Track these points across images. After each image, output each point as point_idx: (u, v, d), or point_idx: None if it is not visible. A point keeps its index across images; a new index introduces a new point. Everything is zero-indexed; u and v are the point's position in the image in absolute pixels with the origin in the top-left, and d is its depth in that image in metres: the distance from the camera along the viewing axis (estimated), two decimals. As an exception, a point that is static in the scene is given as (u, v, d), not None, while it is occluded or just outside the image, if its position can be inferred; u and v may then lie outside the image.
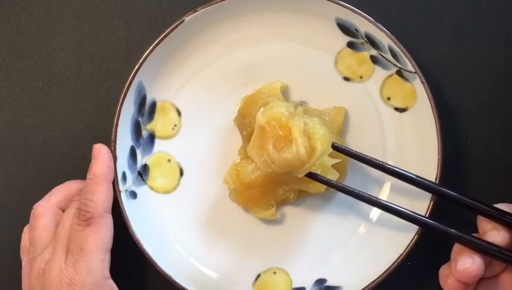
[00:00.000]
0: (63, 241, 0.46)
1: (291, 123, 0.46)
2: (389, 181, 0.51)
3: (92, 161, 0.48)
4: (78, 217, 0.46)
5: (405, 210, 0.46)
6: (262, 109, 0.47)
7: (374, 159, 0.48)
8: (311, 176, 0.47)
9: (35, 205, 0.48)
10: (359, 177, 0.51)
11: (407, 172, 0.47)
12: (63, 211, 0.49)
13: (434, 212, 0.48)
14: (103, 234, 0.45)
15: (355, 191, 0.47)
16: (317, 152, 0.45)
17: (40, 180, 0.54)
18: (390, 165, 0.48)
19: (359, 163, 0.49)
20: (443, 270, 0.45)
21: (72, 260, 0.45)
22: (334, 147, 0.47)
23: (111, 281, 0.46)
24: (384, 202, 0.47)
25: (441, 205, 0.47)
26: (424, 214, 0.47)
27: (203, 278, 0.51)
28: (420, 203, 0.48)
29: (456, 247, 0.44)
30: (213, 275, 0.51)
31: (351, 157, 0.49)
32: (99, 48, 0.54)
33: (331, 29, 0.50)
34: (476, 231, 0.45)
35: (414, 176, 0.47)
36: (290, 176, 0.49)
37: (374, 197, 0.47)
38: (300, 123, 0.46)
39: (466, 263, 0.42)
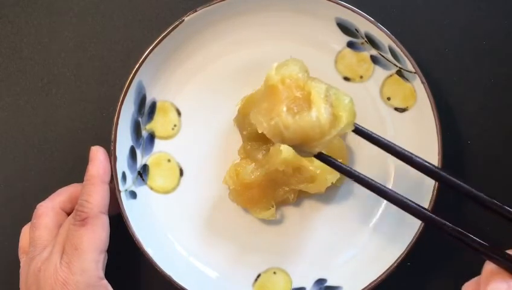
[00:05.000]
0: (60, 241, 0.46)
1: (311, 85, 0.37)
2: (390, 183, 0.51)
3: (89, 162, 0.48)
4: (74, 218, 0.46)
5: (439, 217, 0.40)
6: (275, 64, 0.39)
7: (401, 148, 0.41)
8: (325, 160, 0.40)
9: (38, 205, 0.48)
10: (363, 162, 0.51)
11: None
12: (66, 213, 0.49)
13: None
14: (98, 234, 0.45)
15: (369, 180, 0.41)
16: (342, 121, 0.37)
17: (40, 180, 0.54)
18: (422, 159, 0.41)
19: (358, 163, 0.49)
20: (468, 289, 0.38)
21: (66, 260, 0.45)
22: (356, 129, 0.41)
23: (105, 282, 0.46)
24: (415, 204, 0.41)
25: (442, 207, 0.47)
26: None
27: (203, 278, 0.51)
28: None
29: (489, 266, 0.37)
30: (213, 275, 0.51)
31: (373, 143, 0.42)
32: (99, 48, 0.54)
33: (331, 29, 0.50)
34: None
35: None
36: (290, 176, 0.49)
37: (391, 190, 0.41)
38: (321, 86, 0.37)
39: (499, 289, 0.35)
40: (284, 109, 0.36)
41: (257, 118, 0.38)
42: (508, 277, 0.36)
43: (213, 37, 0.52)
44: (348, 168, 0.41)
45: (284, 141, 0.38)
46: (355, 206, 0.51)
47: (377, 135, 0.41)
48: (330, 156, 0.40)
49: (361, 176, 0.41)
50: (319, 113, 0.36)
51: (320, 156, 0.40)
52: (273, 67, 0.38)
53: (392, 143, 0.41)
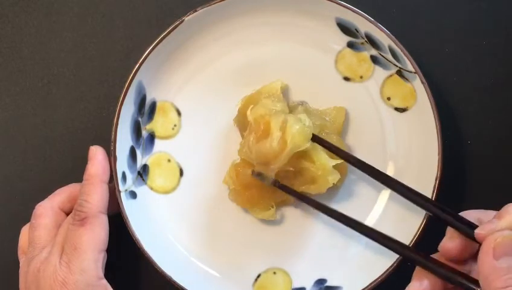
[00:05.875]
0: (59, 241, 0.46)
1: (272, 119, 0.47)
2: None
3: (88, 162, 0.48)
4: (73, 217, 0.46)
5: (387, 241, 0.45)
6: (251, 106, 0.49)
7: (345, 151, 0.49)
8: (285, 189, 0.48)
9: (37, 205, 0.48)
10: (360, 178, 0.51)
11: (372, 170, 0.47)
12: (65, 213, 0.49)
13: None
14: (97, 233, 0.45)
15: (336, 213, 0.47)
16: (288, 144, 0.46)
17: (40, 180, 0.54)
18: (353, 159, 0.48)
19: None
20: None
21: (66, 260, 0.45)
22: (315, 138, 0.48)
23: (105, 281, 0.46)
24: (366, 230, 0.46)
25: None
26: (420, 223, 0.47)
27: (202, 278, 0.51)
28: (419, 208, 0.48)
29: (417, 268, 0.43)
30: (213, 275, 0.51)
31: (330, 152, 0.48)
32: (99, 48, 0.54)
33: (331, 29, 0.50)
34: None
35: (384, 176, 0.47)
36: (291, 178, 0.49)
37: (356, 221, 0.46)
38: (279, 119, 0.47)
39: (413, 286, 0.42)
40: (251, 138, 0.48)
41: (240, 148, 0.49)
42: (424, 276, 0.42)
43: (213, 37, 0.52)
44: (299, 194, 0.49)
45: (253, 161, 0.48)
46: (355, 206, 0.51)
47: (335, 146, 0.49)
48: (287, 186, 0.48)
49: (311, 198, 0.48)
50: (271, 140, 0.47)
51: (279, 185, 0.48)
52: (249, 109, 0.49)
53: (351, 156, 0.49)
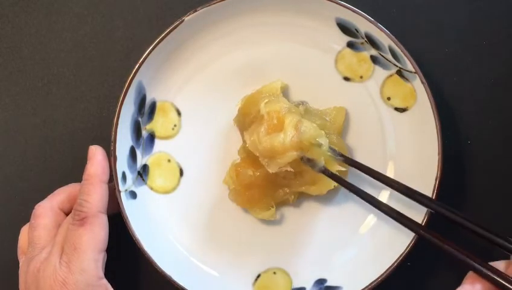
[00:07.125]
0: (59, 241, 0.46)
1: (287, 116, 0.47)
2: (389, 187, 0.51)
3: (88, 162, 0.48)
4: (73, 217, 0.46)
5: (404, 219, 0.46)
6: (266, 100, 0.49)
7: (368, 166, 0.48)
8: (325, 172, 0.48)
9: (36, 205, 0.48)
10: (360, 179, 0.51)
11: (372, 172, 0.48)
12: (64, 213, 0.49)
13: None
14: (97, 233, 0.45)
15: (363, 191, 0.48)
16: (306, 147, 0.46)
17: (40, 180, 0.54)
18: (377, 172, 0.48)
19: (358, 160, 0.49)
20: None
21: (66, 260, 0.45)
22: (330, 149, 0.48)
23: (105, 281, 0.46)
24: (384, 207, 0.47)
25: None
26: (421, 223, 0.47)
27: (203, 278, 0.51)
28: (419, 206, 0.48)
29: (469, 272, 0.42)
30: (213, 274, 0.51)
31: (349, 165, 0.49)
32: (99, 48, 0.54)
33: (331, 29, 0.50)
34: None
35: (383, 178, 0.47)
36: (292, 180, 0.49)
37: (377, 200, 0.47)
38: (295, 118, 0.47)
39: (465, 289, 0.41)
40: (262, 130, 0.47)
41: (247, 136, 0.49)
42: (477, 280, 0.40)
43: (213, 37, 0.52)
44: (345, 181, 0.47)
45: (259, 153, 0.47)
46: (355, 206, 0.51)
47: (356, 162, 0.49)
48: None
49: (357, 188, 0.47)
50: (285, 136, 0.46)
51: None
52: (264, 102, 0.48)
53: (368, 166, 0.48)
